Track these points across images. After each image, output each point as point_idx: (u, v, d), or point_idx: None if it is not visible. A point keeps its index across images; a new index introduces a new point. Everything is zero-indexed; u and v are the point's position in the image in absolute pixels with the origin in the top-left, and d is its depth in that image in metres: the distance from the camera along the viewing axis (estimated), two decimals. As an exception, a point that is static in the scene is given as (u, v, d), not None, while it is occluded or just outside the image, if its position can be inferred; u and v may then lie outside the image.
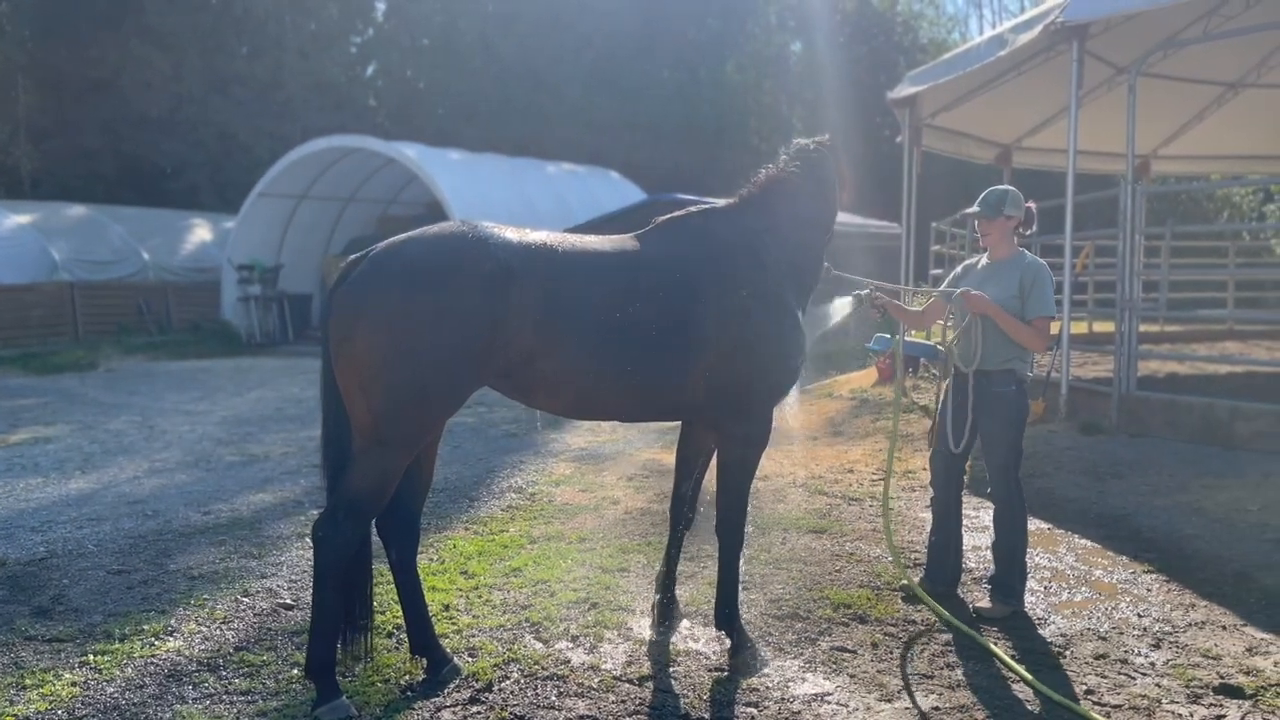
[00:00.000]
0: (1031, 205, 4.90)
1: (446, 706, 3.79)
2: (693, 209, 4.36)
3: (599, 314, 3.79)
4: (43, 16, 27.78)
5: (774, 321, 4.14)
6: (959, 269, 5.19)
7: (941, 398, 5.06)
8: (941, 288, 5.22)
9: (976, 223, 4.95)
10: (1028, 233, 4.94)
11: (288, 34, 30.12)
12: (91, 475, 8.07)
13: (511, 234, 3.80)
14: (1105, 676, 4.08)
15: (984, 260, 4.99)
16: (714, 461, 4.42)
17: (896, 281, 12.99)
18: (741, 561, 4.44)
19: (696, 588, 5.11)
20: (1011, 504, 4.81)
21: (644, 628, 4.55)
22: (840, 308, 4.90)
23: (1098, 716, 3.68)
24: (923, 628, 4.61)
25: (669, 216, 4.27)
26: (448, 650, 4.18)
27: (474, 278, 3.61)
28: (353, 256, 3.81)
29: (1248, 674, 4.08)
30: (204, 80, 28.66)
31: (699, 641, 4.44)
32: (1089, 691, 3.93)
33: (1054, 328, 9.77)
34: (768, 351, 4.12)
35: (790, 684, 4.00)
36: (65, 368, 16.24)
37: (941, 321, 5.12)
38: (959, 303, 4.85)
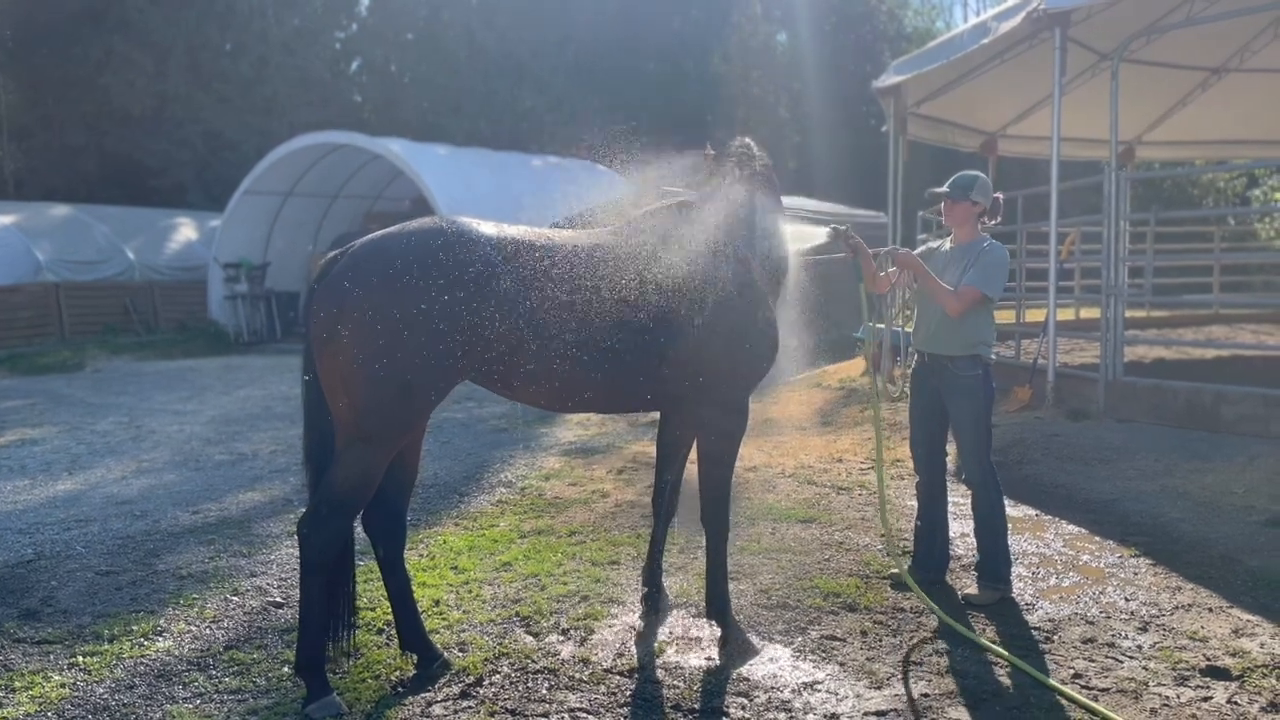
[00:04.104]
0: (999, 196, 4.96)
1: (437, 702, 3.79)
2: (668, 202, 4.40)
3: (578, 307, 3.81)
4: (23, 13, 27.52)
5: (749, 311, 4.17)
6: (922, 249, 5.21)
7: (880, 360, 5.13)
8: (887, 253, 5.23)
9: (942, 203, 5.00)
10: (992, 222, 4.99)
11: (271, 29, 29.92)
12: (79, 476, 8.03)
13: (490, 229, 3.81)
14: (1093, 660, 4.10)
15: (948, 244, 5.05)
16: (695, 453, 4.44)
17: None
18: (729, 551, 4.45)
19: (686, 579, 5.12)
20: (986, 488, 4.85)
21: (634, 620, 4.56)
22: (816, 234, 4.88)
23: (1085, 700, 3.71)
24: (912, 615, 4.63)
25: (646, 209, 4.30)
26: (438, 646, 4.18)
27: (454, 273, 3.61)
28: (332, 253, 3.81)
29: (1234, 656, 4.12)
30: (188, 77, 28.44)
31: (689, 632, 4.45)
32: (1077, 675, 3.96)
33: (1040, 314, 9.83)
34: (744, 340, 4.15)
35: (780, 673, 4.01)
36: (51, 369, 16.14)
37: (901, 292, 5.16)
38: (888, 259, 4.93)
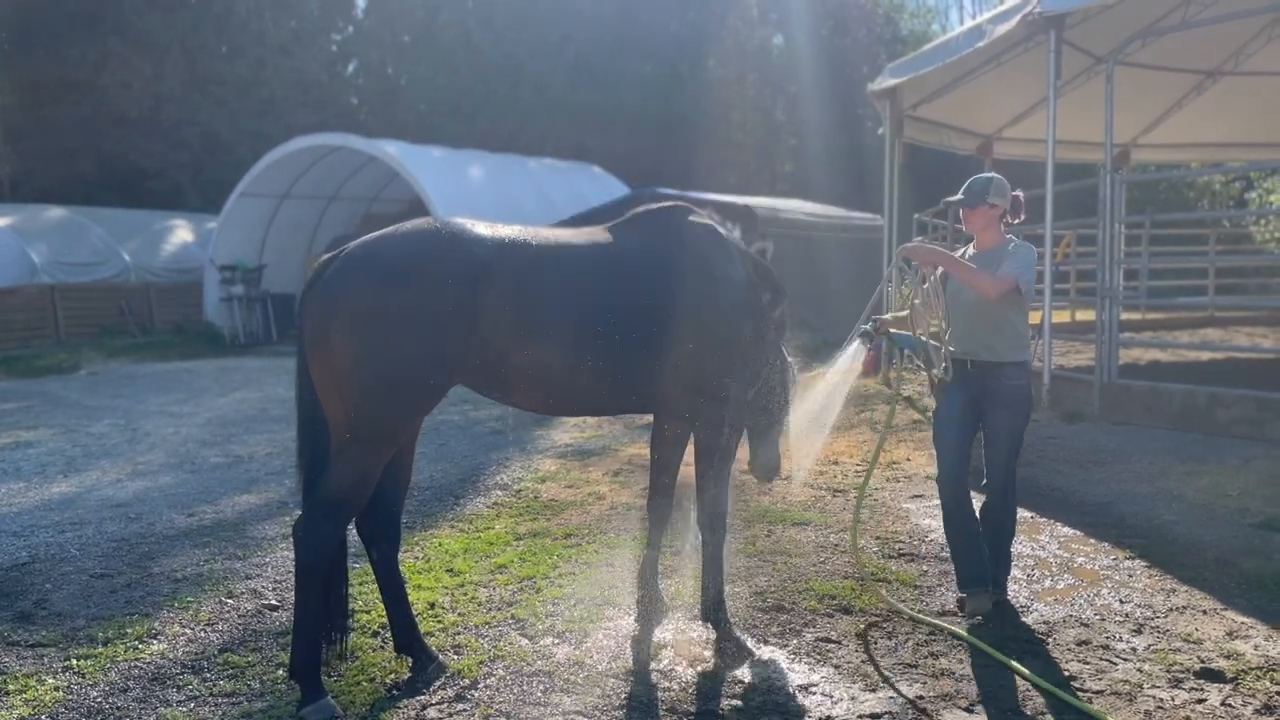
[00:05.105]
0: (1019, 194, 4.79)
1: (432, 704, 3.79)
2: (665, 204, 4.40)
3: (573, 307, 3.81)
4: (19, 16, 27.52)
5: (744, 310, 4.17)
6: None
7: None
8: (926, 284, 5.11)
9: (960, 211, 4.81)
10: (1016, 221, 4.81)
11: (268, 32, 29.94)
12: (74, 479, 8.02)
13: (484, 229, 3.81)
14: (1087, 662, 4.11)
15: (971, 250, 4.87)
16: (692, 456, 4.43)
17: (879, 273, 13.04)
18: (725, 554, 4.45)
19: (682, 581, 5.12)
20: (1006, 494, 4.72)
21: (629, 622, 4.56)
22: (853, 354, 4.73)
23: (1080, 702, 3.71)
24: (908, 618, 4.63)
25: (642, 209, 4.31)
26: (432, 648, 4.18)
27: (447, 274, 3.61)
28: (325, 256, 3.81)
29: (1228, 658, 4.12)
30: (185, 79, 28.45)
31: (684, 635, 4.45)
32: (1071, 678, 3.96)
33: (1035, 317, 9.88)
34: (740, 340, 4.14)
35: (775, 675, 4.01)
36: (47, 371, 16.12)
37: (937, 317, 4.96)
38: (900, 261, 4.77)
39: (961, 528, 4.75)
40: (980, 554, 4.68)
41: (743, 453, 4.65)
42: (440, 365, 3.66)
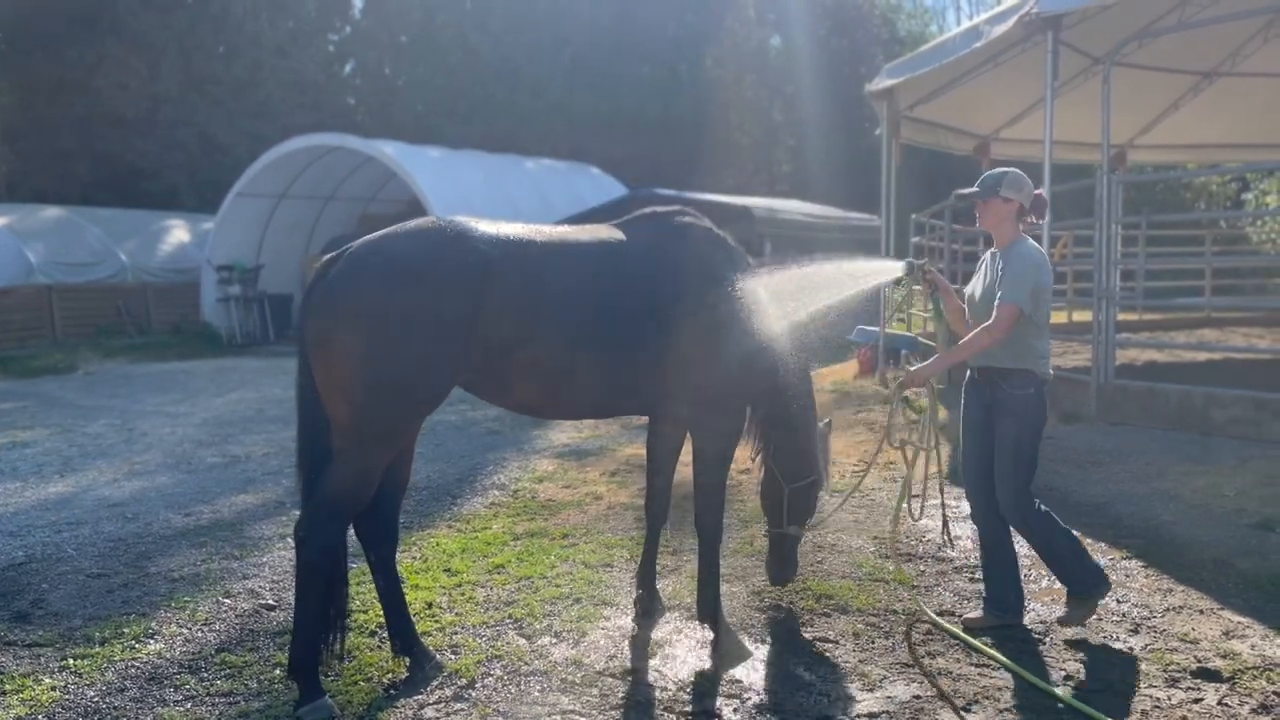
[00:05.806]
0: (1040, 192, 4.57)
1: (430, 704, 3.79)
2: (670, 207, 4.41)
3: (575, 305, 3.81)
4: (16, 16, 27.46)
5: (744, 314, 4.17)
6: (981, 263, 4.83)
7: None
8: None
9: (975, 206, 4.60)
10: (1037, 221, 4.61)
11: (265, 32, 29.89)
12: (71, 479, 8.01)
13: (488, 227, 3.82)
14: (1085, 662, 4.11)
15: (990, 251, 4.67)
16: (688, 455, 4.43)
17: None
18: (722, 554, 4.46)
19: (679, 581, 5.12)
20: (1027, 524, 4.47)
21: (627, 622, 4.56)
22: (888, 269, 4.52)
23: (1077, 702, 3.71)
24: (904, 617, 4.63)
25: (648, 210, 4.32)
26: (430, 648, 4.17)
27: (452, 272, 3.62)
28: (328, 256, 3.80)
29: (1225, 657, 4.13)
30: (181, 80, 28.40)
31: (681, 634, 4.45)
32: (1068, 677, 3.97)
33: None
34: (738, 345, 4.15)
35: (772, 675, 4.01)
36: (44, 371, 16.09)
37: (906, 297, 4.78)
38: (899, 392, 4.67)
39: (985, 538, 4.63)
40: (1001, 573, 4.54)
41: (741, 453, 4.65)
42: (445, 365, 3.67)
